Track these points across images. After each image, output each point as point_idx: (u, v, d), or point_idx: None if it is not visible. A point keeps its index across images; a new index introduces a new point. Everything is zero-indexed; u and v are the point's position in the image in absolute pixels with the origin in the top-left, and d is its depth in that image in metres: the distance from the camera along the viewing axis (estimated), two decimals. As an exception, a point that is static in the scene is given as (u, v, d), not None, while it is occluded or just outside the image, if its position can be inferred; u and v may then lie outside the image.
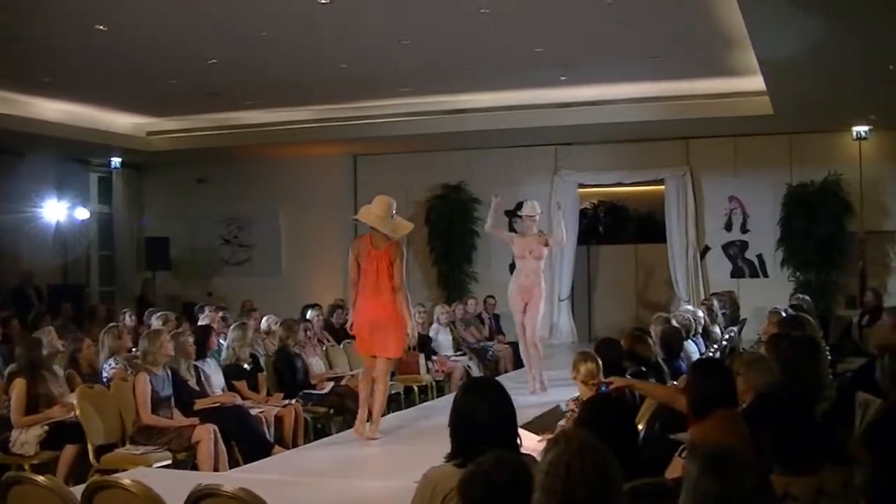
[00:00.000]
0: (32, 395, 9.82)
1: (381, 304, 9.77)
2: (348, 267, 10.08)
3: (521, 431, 4.97)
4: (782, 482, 4.74)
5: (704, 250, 20.58)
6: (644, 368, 9.15)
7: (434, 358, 15.96)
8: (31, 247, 20.04)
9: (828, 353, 10.74)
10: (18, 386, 9.75)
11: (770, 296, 17.78)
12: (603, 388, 7.63)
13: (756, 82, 15.50)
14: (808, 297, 16.47)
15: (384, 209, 9.81)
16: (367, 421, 9.96)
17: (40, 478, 5.90)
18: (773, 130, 19.00)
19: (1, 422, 9.77)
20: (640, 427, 6.80)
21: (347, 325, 10.25)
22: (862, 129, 18.80)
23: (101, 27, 13.06)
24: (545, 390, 12.66)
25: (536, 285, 13.10)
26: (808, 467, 4.78)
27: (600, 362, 7.87)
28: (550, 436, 6.65)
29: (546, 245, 13.26)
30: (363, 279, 9.84)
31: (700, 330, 13.39)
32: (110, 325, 12.68)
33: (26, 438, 9.60)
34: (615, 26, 13.28)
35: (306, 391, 12.56)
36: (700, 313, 14.13)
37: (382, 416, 10.36)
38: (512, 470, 3.98)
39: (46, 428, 9.66)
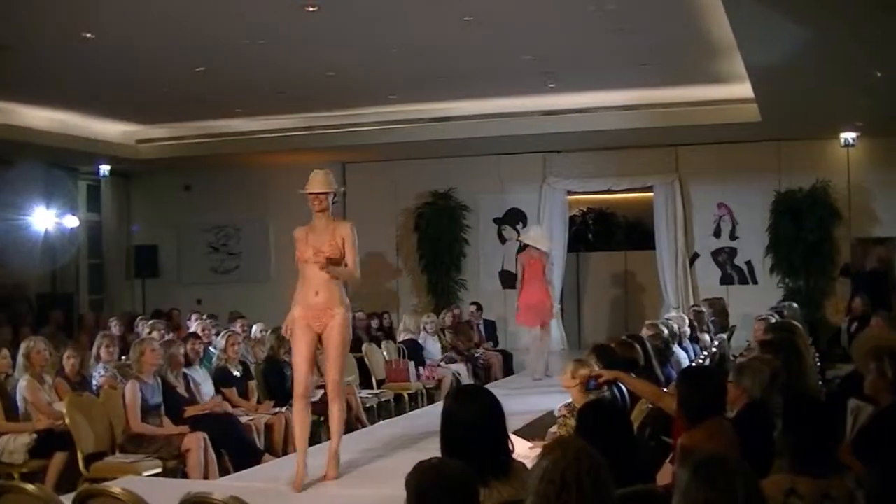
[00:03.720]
0: (5, 402, 9.84)
1: None
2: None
3: (512, 437, 4.97)
4: (788, 480, 4.75)
5: (693, 257, 20.62)
6: (634, 375, 9.16)
7: (427, 364, 16.01)
8: (20, 255, 19.98)
9: (816, 359, 10.77)
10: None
11: (759, 302, 17.79)
12: (592, 384, 7.64)
13: (744, 89, 15.52)
14: (794, 304, 16.50)
15: None
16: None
17: (29, 486, 5.88)
18: (761, 137, 19.04)
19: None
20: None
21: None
22: (850, 135, 18.84)
23: (89, 35, 13.04)
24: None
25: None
26: (819, 470, 4.79)
27: (596, 369, 7.87)
28: (542, 442, 6.67)
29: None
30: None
31: (687, 336, 13.43)
32: (100, 333, 12.68)
33: (14, 447, 9.59)
34: (603, 34, 13.30)
35: (295, 399, 12.54)
36: (687, 319, 14.16)
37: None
38: (459, 469, 3.98)
39: (35, 436, 9.65)
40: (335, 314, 8.56)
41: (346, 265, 8.70)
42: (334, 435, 8.82)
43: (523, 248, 16.86)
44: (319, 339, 8.68)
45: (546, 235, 15.22)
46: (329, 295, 8.55)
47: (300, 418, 8.80)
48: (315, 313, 8.55)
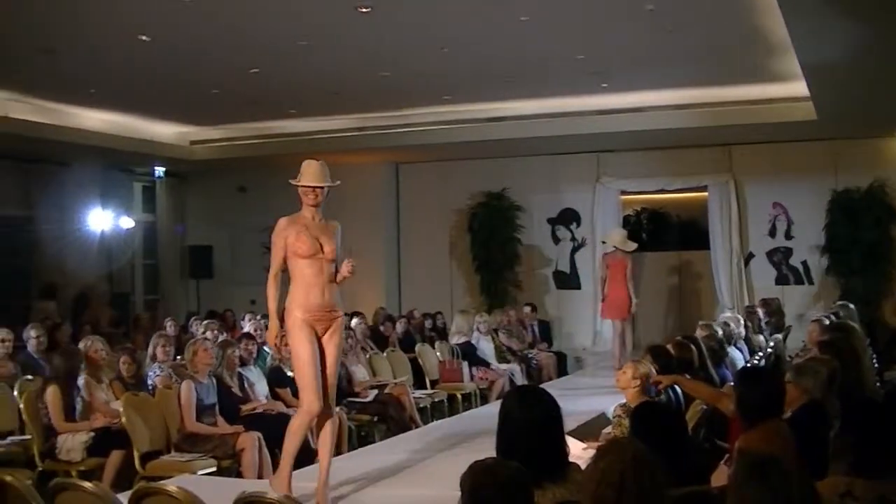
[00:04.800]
0: (67, 401, 9.90)
1: None
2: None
3: (567, 438, 4.96)
4: (844, 482, 4.71)
5: (748, 257, 20.47)
6: (688, 376, 9.11)
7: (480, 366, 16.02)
8: (77, 256, 20.16)
9: (874, 360, 10.66)
10: (52, 393, 9.83)
11: (815, 303, 17.67)
12: (653, 390, 7.62)
13: (799, 88, 15.39)
14: (850, 305, 16.32)
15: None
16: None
17: (87, 484, 5.95)
18: (816, 136, 18.84)
19: (46, 429, 9.84)
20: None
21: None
22: (907, 134, 18.65)
23: (144, 37, 13.14)
24: None
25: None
26: (876, 472, 4.74)
27: (653, 369, 7.84)
28: (596, 443, 6.65)
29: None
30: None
31: (742, 337, 13.34)
32: (156, 333, 12.78)
33: (73, 445, 9.67)
34: (657, 33, 13.23)
35: (350, 399, 12.58)
36: (741, 320, 14.07)
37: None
38: (514, 470, 3.97)
39: (92, 434, 9.73)
40: (338, 316, 8.00)
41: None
42: (328, 454, 7.95)
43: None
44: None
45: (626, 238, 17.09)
46: (332, 295, 7.95)
47: (305, 432, 8.15)
48: (320, 314, 7.85)
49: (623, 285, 16.83)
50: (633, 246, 17.18)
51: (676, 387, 8.32)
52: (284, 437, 7.84)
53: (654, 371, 7.79)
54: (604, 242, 18.48)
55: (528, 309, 19.59)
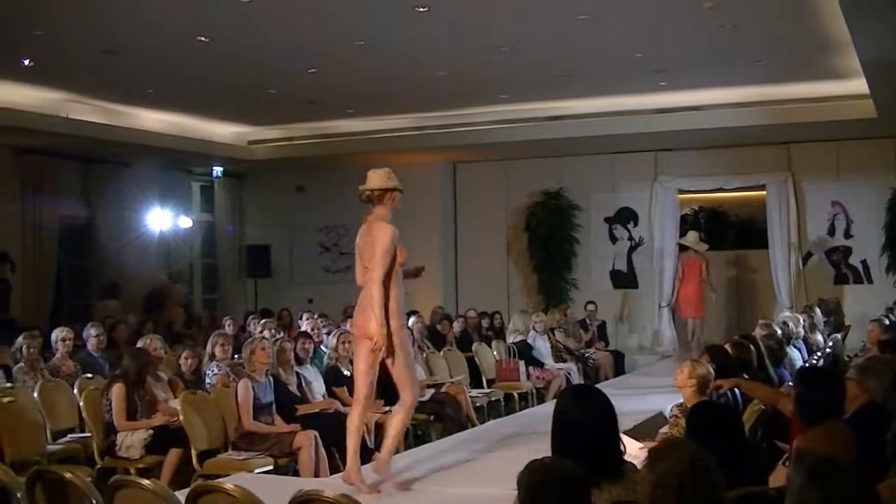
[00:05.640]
0: (132, 400, 9.97)
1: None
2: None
3: (623, 438, 4.94)
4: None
5: (807, 256, 20.31)
6: (746, 376, 9.06)
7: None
8: (136, 255, 20.34)
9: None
10: (117, 391, 9.89)
11: (875, 302, 17.50)
12: (714, 395, 7.59)
13: (859, 85, 15.27)
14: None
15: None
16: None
17: (145, 481, 5.99)
18: (876, 134, 18.66)
19: (106, 426, 9.92)
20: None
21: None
22: (968, 131, 18.43)
23: (203, 38, 13.24)
24: None
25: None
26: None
27: (711, 369, 7.79)
28: (652, 443, 6.62)
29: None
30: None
31: (801, 336, 13.23)
32: (215, 332, 12.85)
33: (132, 442, 9.74)
34: (714, 30, 13.16)
35: (407, 398, 12.59)
36: (800, 319, 13.96)
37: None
38: (571, 469, 3.95)
39: (151, 432, 9.80)
40: None
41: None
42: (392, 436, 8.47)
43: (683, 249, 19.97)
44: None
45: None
46: None
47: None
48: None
49: (698, 285, 18.67)
50: (705, 247, 18.75)
51: (736, 390, 8.28)
52: (386, 430, 8.52)
53: (711, 371, 7.74)
54: (679, 244, 19.75)
55: (591, 307, 19.57)
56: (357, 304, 8.33)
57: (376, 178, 8.78)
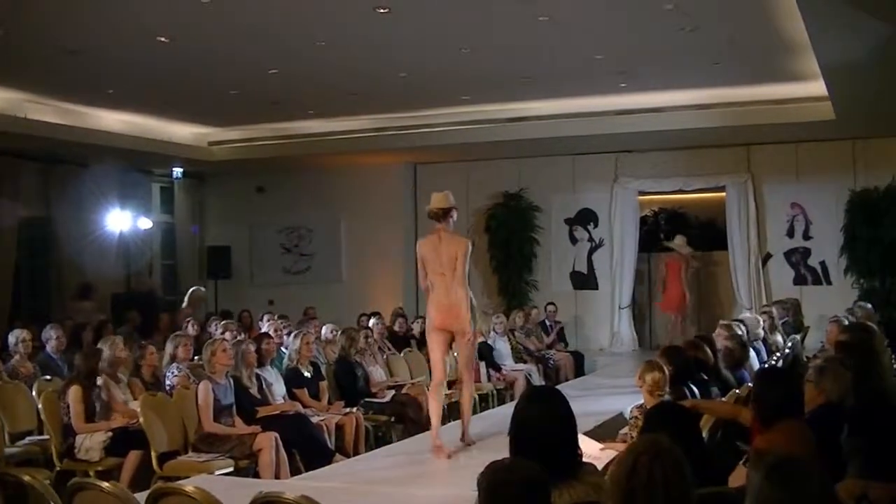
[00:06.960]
0: (89, 401, 9.92)
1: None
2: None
3: (582, 439, 4.96)
4: (859, 485, 4.69)
5: (766, 257, 20.42)
6: (706, 377, 9.10)
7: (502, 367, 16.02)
8: (96, 256, 20.21)
9: (894, 360, 10.61)
10: (74, 392, 9.86)
11: (833, 303, 17.59)
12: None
13: (817, 87, 15.36)
14: (867, 305, 16.22)
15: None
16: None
17: (105, 484, 5.97)
18: (835, 136, 18.80)
19: (65, 428, 9.87)
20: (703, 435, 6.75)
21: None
22: (927, 133, 18.56)
23: (163, 39, 13.18)
24: None
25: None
26: (892, 475, 4.72)
27: (667, 371, 7.82)
28: (613, 443, 6.64)
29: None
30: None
31: (761, 337, 13.30)
32: (174, 333, 12.80)
33: (91, 444, 9.71)
34: (675, 33, 13.21)
35: (367, 399, 12.61)
36: (760, 320, 14.03)
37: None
38: (531, 470, 3.96)
39: (111, 434, 9.76)
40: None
41: None
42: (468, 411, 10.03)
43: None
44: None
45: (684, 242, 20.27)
46: None
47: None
48: None
49: (680, 284, 19.84)
50: (689, 249, 20.24)
51: (694, 388, 8.32)
52: (461, 407, 10.15)
53: (667, 374, 7.78)
54: (664, 245, 20.95)
55: (551, 308, 19.62)
56: (446, 304, 9.58)
57: (442, 200, 10.32)
